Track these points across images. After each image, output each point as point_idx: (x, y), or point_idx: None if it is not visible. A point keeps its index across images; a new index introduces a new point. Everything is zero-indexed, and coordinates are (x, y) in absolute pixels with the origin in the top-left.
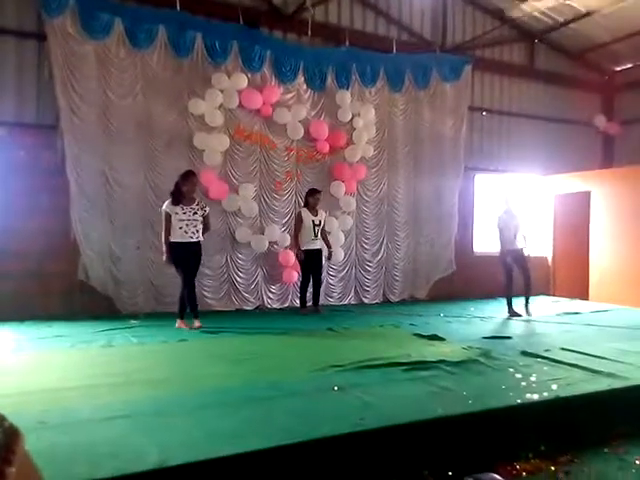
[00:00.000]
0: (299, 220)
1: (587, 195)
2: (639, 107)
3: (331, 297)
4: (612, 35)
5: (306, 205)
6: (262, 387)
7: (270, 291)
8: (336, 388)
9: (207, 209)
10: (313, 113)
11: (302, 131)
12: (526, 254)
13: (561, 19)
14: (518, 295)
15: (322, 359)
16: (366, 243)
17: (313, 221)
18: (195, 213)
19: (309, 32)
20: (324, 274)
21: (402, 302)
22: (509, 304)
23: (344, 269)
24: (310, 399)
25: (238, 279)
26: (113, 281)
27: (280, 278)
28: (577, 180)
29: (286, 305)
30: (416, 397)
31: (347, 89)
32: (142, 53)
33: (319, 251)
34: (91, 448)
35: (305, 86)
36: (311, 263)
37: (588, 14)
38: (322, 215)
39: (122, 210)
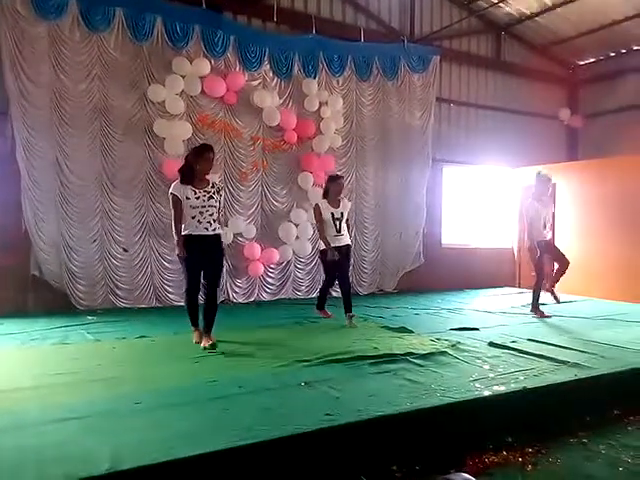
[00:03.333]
0: (318, 214)
1: (552, 187)
2: (602, 101)
3: (299, 291)
4: (576, 29)
5: (325, 195)
6: (225, 385)
7: (235, 285)
8: (303, 383)
9: (222, 192)
10: (280, 102)
11: (272, 119)
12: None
13: (527, 12)
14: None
15: (289, 354)
16: None
17: (333, 214)
18: (211, 197)
19: (275, 18)
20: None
21: (370, 295)
22: (536, 301)
23: (312, 262)
24: (276, 395)
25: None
26: (68, 275)
27: (246, 272)
28: None
29: (252, 299)
30: (384, 391)
31: (314, 77)
32: (99, 36)
33: (346, 248)
34: (39, 452)
35: (271, 73)
36: (335, 262)
37: (553, 7)
38: (346, 205)
39: (77, 200)
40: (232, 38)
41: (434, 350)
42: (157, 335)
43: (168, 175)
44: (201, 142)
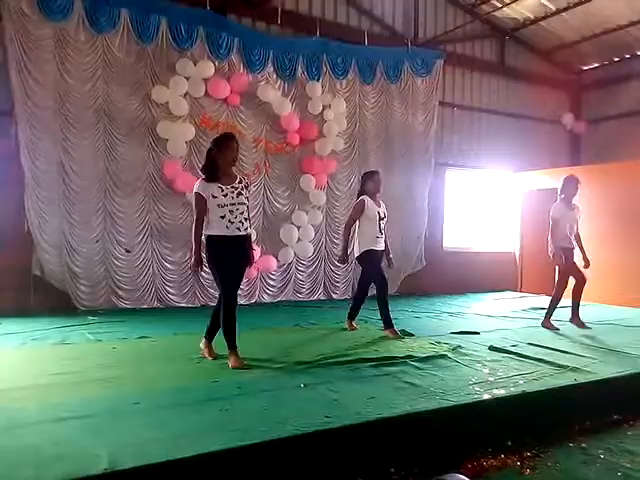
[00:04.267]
0: (359, 211)
1: (555, 192)
2: (605, 106)
3: (300, 293)
4: (580, 34)
5: (363, 191)
6: (224, 386)
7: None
8: (302, 385)
9: (252, 188)
10: (285, 100)
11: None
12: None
13: (531, 16)
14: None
15: (288, 356)
16: (336, 238)
17: (378, 212)
18: (240, 194)
19: (279, 21)
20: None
21: (372, 297)
22: (551, 312)
23: (313, 264)
24: (275, 397)
25: (203, 274)
26: (70, 276)
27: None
28: (545, 177)
29: (253, 301)
30: (383, 393)
31: (318, 80)
32: (103, 37)
33: (382, 253)
34: (38, 451)
35: (275, 76)
36: (374, 268)
37: (557, 12)
38: (383, 206)
39: (80, 201)
40: (236, 40)
41: (434, 353)
42: (158, 336)
43: (167, 175)
44: (204, 143)
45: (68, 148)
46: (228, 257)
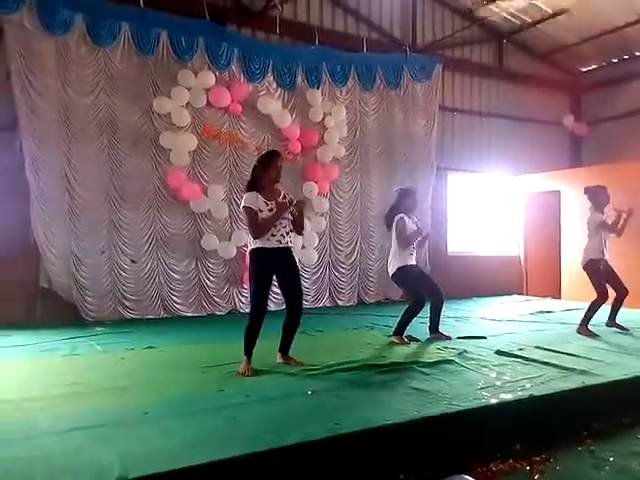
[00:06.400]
0: (404, 229)
1: (557, 194)
2: (605, 107)
3: (305, 300)
4: (578, 36)
5: (399, 209)
6: (231, 394)
7: (242, 295)
8: (310, 392)
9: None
10: (285, 111)
11: (282, 121)
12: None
13: (528, 20)
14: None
15: None
16: (340, 244)
17: (416, 229)
18: (287, 208)
19: (278, 30)
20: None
21: (377, 303)
22: (588, 319)
23: (318, 271)
24: (282, 404)
25: (209, 283)
26: (77, 287)
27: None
28: (547, 179)
29: None
30: (391, 399)
31: (318, 88)
32: (105, 50)
33: (417, 265)
34: (50, 462)
35: (275, 85)
36: (420, 280)
37: (554, 15)
38: (416, 220)
39: (86, 213)
40: (236, 50)
41: (441, 358)
42: (165, 345)
43: (171, 185)
44: (207, 153)
45: (72, 160)
46: (266, 268)
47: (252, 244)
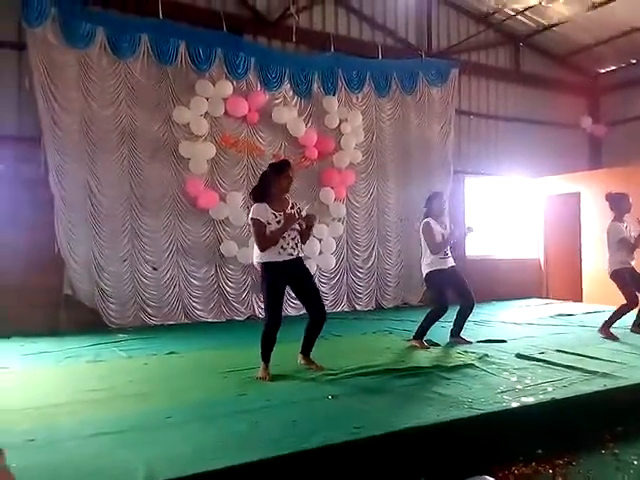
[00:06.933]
0: (431, 235)
1: (577, 196)
2: (624, 108)
3: None
4: (595, 38)
5: (428, 213)
6: (252, 399)
7: (261, 301)
8: (330, 397)
9: (303, 213)
10: (301, 119)
11: (297, 130)
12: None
13: (545, 22)
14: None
15: None
16: (357, 249)
17: (443, 235)
18: (295, 220)
19: (294, 38)
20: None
21: (395, 308)
22: (611, 322)
23: (335, 276)
24: (303, 409)
25: (228, 289)
26: (100, 294)
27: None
28: (566, 182)
29: None
30: (411, 403)
31: (334, 95)
32: (125, 62)
33: (454, 267)
34: (77, 465)
35: (291, 92)
36: (450, 283)
37: (571, 18)
38: (444, 225)
39: (108, 222)
40: (253, 60)
41: (461, 363)
42: (186, 351)
43: (190, 193)
44: (225, 161)
45: (94, 170)
46: (279, 281)
47: (262, 257)
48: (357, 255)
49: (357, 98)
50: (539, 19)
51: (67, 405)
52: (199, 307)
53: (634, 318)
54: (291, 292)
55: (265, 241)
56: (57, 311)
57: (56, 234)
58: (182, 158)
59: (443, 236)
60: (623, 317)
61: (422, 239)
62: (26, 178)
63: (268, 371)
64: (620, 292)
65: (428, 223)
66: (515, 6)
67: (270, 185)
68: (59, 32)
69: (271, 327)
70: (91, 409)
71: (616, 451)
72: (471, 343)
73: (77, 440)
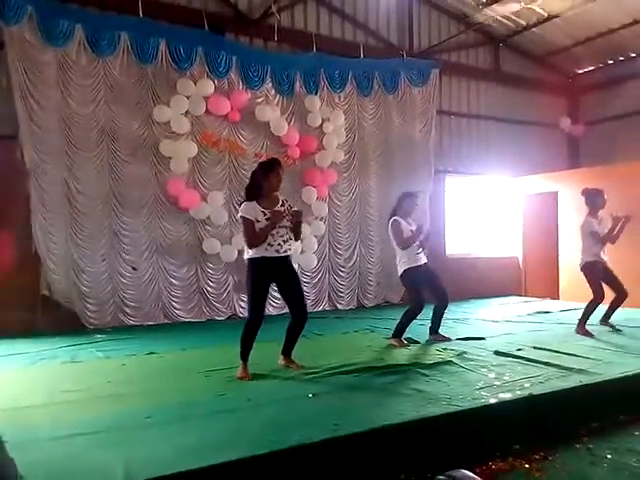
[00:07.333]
0: (399, 231)
1: (555, 195)
2: (602, 108)
3: None
4: (573, 39)
5: (396, 211)
6: (233, 398)
7: (242, 300)
8: (311, 395)
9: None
10: (283, 118)
11: (279, 129)
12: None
13: (524, 23)
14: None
15: None
16: (339, 248)
17: (412, 231)
18: (282, 217)
19: (275, 37)
20: None
21: (376, 307)
22: (585, 319)
23: (317, 275)
24: (283, 407)
25: (208, 289)
26: (78, 295)
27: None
28: (545, 181)
29: None
30: (391, 400)
31: (316, 94)
32: (104, 60)
33: (427, 264)
34: (51, 467)
35: (274, 91)
36: (425, 281)
37: (549, 18)
38: (413, 223)
39: (86, 221)
40: (234, 58)
41: (440, 360)
42: (166, 351)
43: (171, 193)
44: (206, 160)
45: (73, 169)
46: (263, 278)
47: (250, 253)
48: (339, 254)
49: (339, 97)
50: (518, 20)
51: (40, 407)
52: (179, 307)
53: (605, 311)
54: (272, 291)
55: (254, 238)
56: (34, 312)
57: (33, 233)
58: (163, 157)
59: (412, 232)
60: (595, 312)
61: (391, 238)
62: (3, 176)
63: (247, 370)
64: (588, 286)
65: (396, 220)
66: (500, 9)
67: (261, 183)
68: (36, 30)
69: (252, 323)
70: (66, 410)
71: (590, 446)
72: (450, 340)
73: (51, 441)
